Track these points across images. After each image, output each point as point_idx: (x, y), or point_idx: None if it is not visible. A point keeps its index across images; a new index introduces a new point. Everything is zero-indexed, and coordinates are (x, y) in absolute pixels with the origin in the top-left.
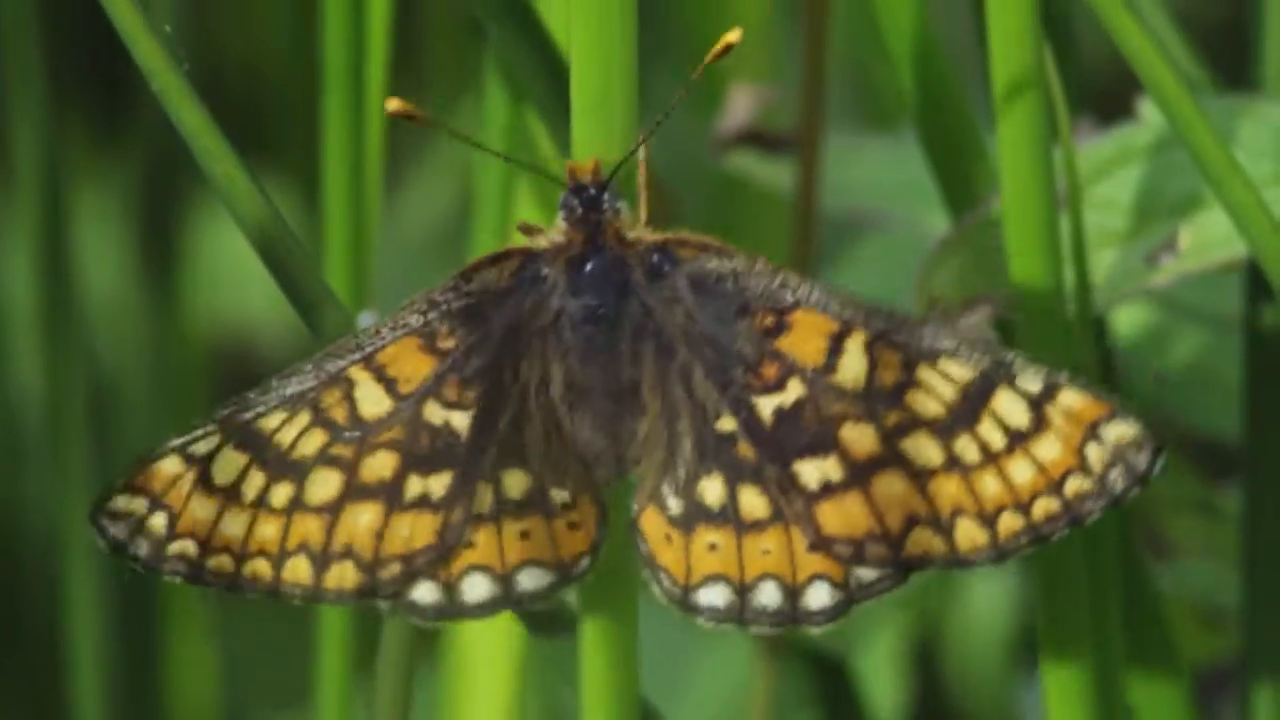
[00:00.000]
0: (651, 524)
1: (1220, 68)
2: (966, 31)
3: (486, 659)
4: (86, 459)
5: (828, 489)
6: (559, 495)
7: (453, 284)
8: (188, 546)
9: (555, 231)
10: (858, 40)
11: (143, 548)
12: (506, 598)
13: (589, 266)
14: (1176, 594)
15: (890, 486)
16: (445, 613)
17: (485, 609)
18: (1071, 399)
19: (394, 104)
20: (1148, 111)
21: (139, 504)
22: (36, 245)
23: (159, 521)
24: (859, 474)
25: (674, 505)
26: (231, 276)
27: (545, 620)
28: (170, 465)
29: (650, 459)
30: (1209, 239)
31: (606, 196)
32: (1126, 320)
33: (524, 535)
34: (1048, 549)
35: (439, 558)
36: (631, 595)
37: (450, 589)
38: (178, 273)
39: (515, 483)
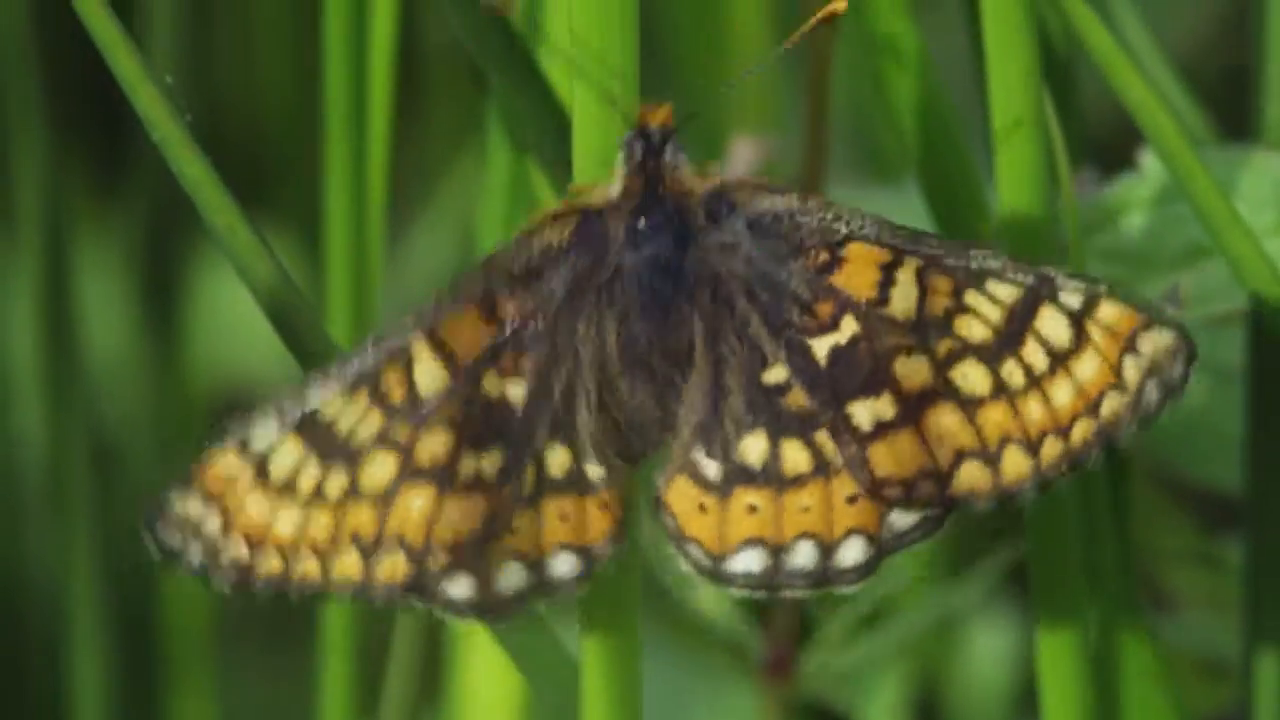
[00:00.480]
0: (681, 496)
1: (1222, 118)
2: (968, 81)
3: (488, 706)
4: (89, 511)
5: (880, 428)
6: (595, 472)
7: (512, 247)
8: (239, 550)
9: (612, 185)
10: (859, 90)
11: (196, 554)
12: (539, 586)
13: (649, 217)
14: (1178, 645)
15: (941, 420)
16: (478, 607)
17: (518, 600)
18: (1109, 312)
19: None
20: (1149, 162)
21: (195, 507)
22: (38, 296)
23: (213, 525)
24: (911, 410)
25: (712, 469)
26: (233, 328)
27: (546, 667)
28: (227, 464)
29: (686, 425)
30: (1210, 289)
31: (670, 146)
32: None
33: (561, 517)
34: (1049, 601)
35: (483, 544)
36: (634, 643)
37: (485, 580)
38: (179, 324)
39: (559, 459)
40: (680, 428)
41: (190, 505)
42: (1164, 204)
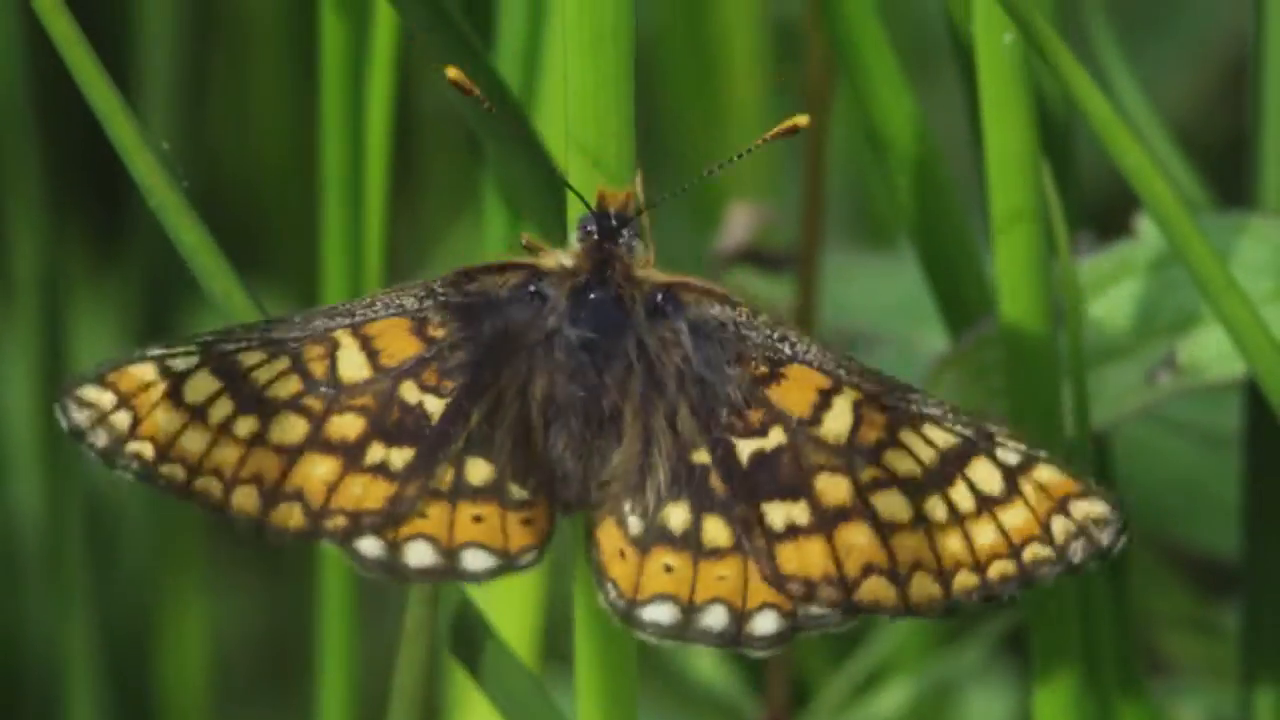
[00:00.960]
0: (607, 537)
1: (1218, 184)
2: (964, 147)
3: None
4: (85, 577)
5: (791, 531)
6: (518, 492)
7: (453, 279)
8: (145, 449)
9: (565, 253)
10: (857, 157)
11: (101, 439)
12: (449, 571)
13: (592, 297)
14: (1175, 710)
15: (854, 536)
16: (387, 569)
17: (427, 575)
18: (1046, 474)
19: (454, 73)
20: (1145, 228)
21: (106, 398)
22: (35, 361)
23: (122, 419)
24: (825, 521)
25: (635, 525)
26: None
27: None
28: (144, 371)
29: (617, 483)
30: (1207, 356)
31: (626, 231)
32: (1124, 436)
33: (476, 519)
34: (1048, 666)
35: (386, 521)
36: (631, 707)
37: (394, 549)
38: None
39: (477, 471)
40: (611, 485)
41: (103, 396)
42: (1161, 269)
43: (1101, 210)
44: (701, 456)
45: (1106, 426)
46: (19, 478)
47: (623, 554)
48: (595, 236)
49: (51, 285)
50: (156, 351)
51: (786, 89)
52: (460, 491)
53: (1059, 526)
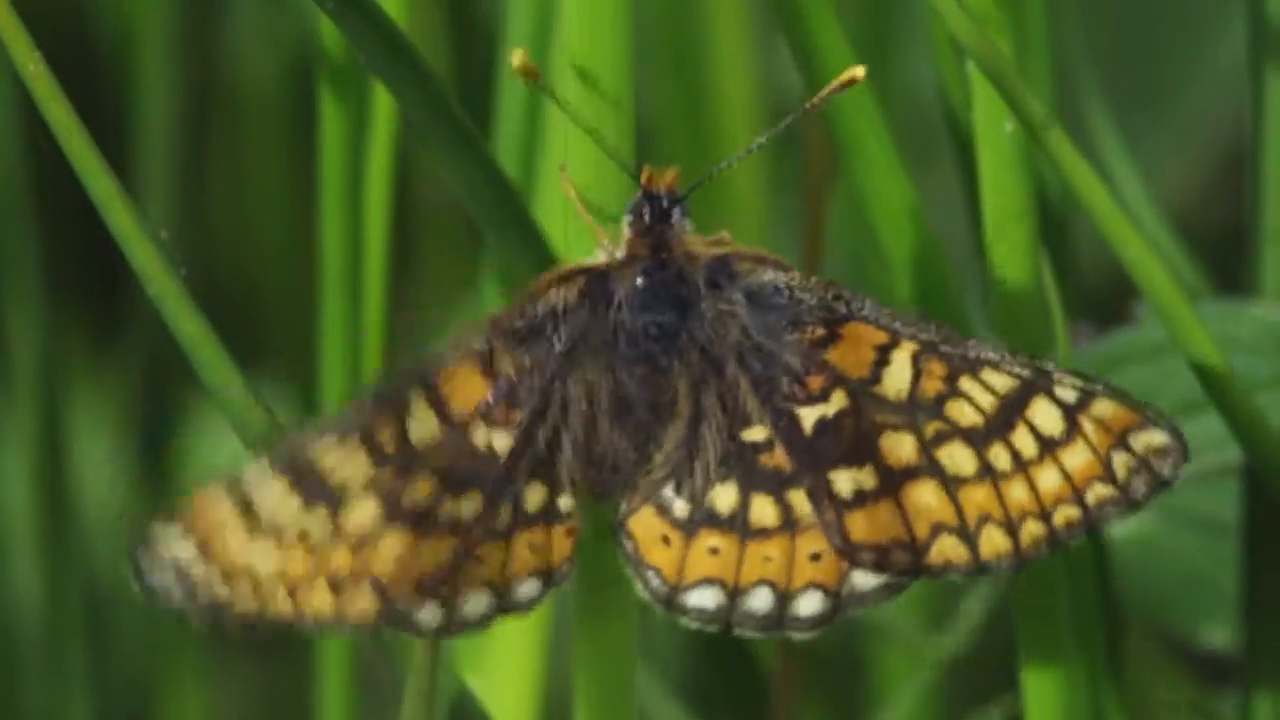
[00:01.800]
0: (644, 525)
1: (1217, 272)
2: (963, 235)
3: None
4: (84, 666)
5: (860, 497)
6: (566, 504)
7: (518, 307)
8: (220, 590)
9: (619, 246)
10: (855, 243)
11: (177, 593)
12: (503, 608)
13: (651, 280)
14: None
15: (922, 495)
16: (445, 630)
17: (483, 622)
18: (1104, 408)
19: (518, 59)
20: (1144, 315)
21: (182, 547)
22: (34, 451)
23: (197, 566)
24: (892, 483)
25: (680, 508)
26: None
27: None
28: (215, 502)
29: (660, 464)
30: (1205, 443)
31: (676, 210)
32: (1122, 524)
33: (531, 548)
34: None
35: (450, 577)
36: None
37: (452, 608)
38: (175, 480)
39: (535, 497)
40: (654, 467)
41: (177, 545)
42: (1159, 357)
43: (1101, 297)
44: (754, 433)
45: None
46: (18, 565)
47: (666, 539)
48: (647, 220)
49: (50, 373)
50: (227, 476)
51: (785, 177)
52: (517, 524)
53: (1120, 462)
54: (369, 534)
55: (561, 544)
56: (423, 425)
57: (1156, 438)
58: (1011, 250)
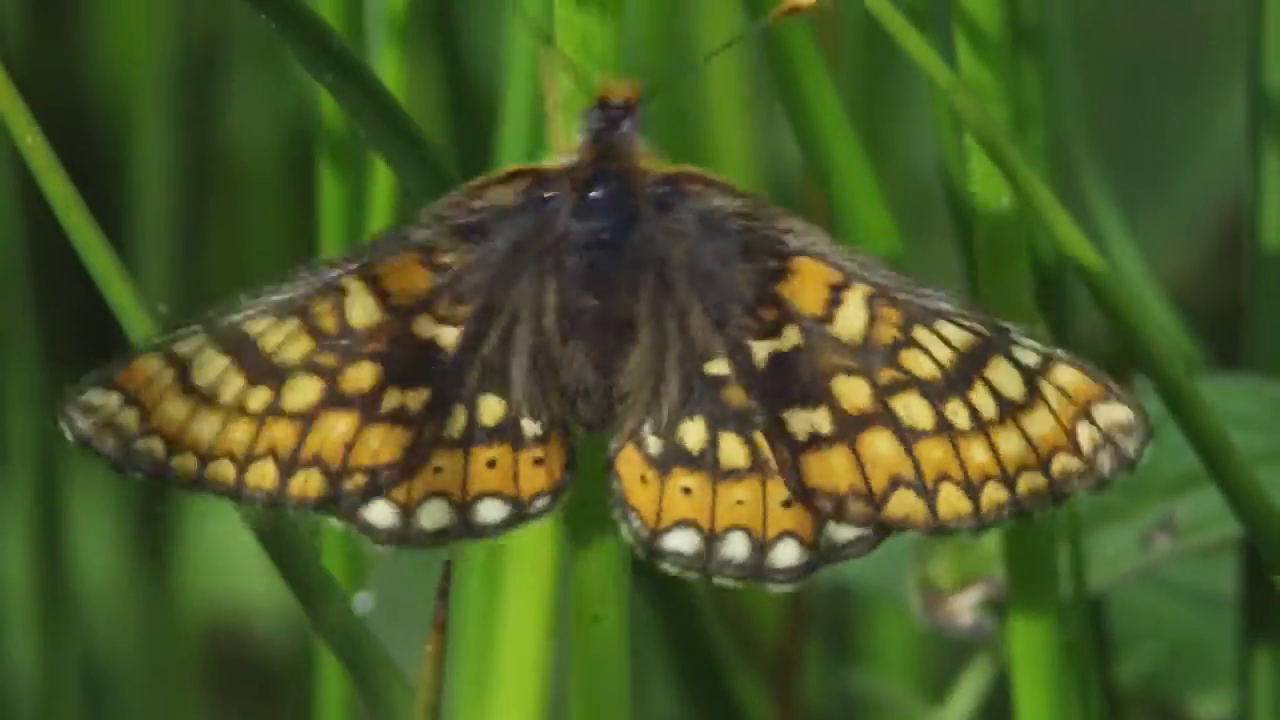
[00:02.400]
0: (628, 464)
1: (1215, 348)
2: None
3: None
4: None
5: (815, 441)
6: (531, 428)
7: (460, 199)
8: (155, 445)
9: (568, 151)
10: None
11: (109, 445)
12: (464, 528)
13: (599, 190)
14: None
15: (878, 444)
16: (400, 537)
17: (441, 537)
18: (1067, 376)
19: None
20: (1143, 389)
21: (112, 400)
22: (31, 525)
23: (129, 418)
24: (847, 429)
25: (653, 445)
26: (227, 558)
27: None
28: (149, 363)
29: (636, 397)
30: (1204, 517)
31: (628, 121)
32: (1121, 599)
33: (490, 464)
34: None
35: (403, 476)
36: None
37: (408, 512)
38: (172, 554)
39: (491, 408)
40: (630, 399)
41: (108, 399)
42: (1158, 431)
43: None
44: (715, 366)
45: (1103, 589)
46: (15, 640)
47: (644, 479)
48: (596, 128)
49: (47, 447)
50: (158, 340)
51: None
52: (473, 436)
53: (1085, 435)
54: (314, 413)
55: (531, 475)
56: (362, 309)
57: (1121, 412)
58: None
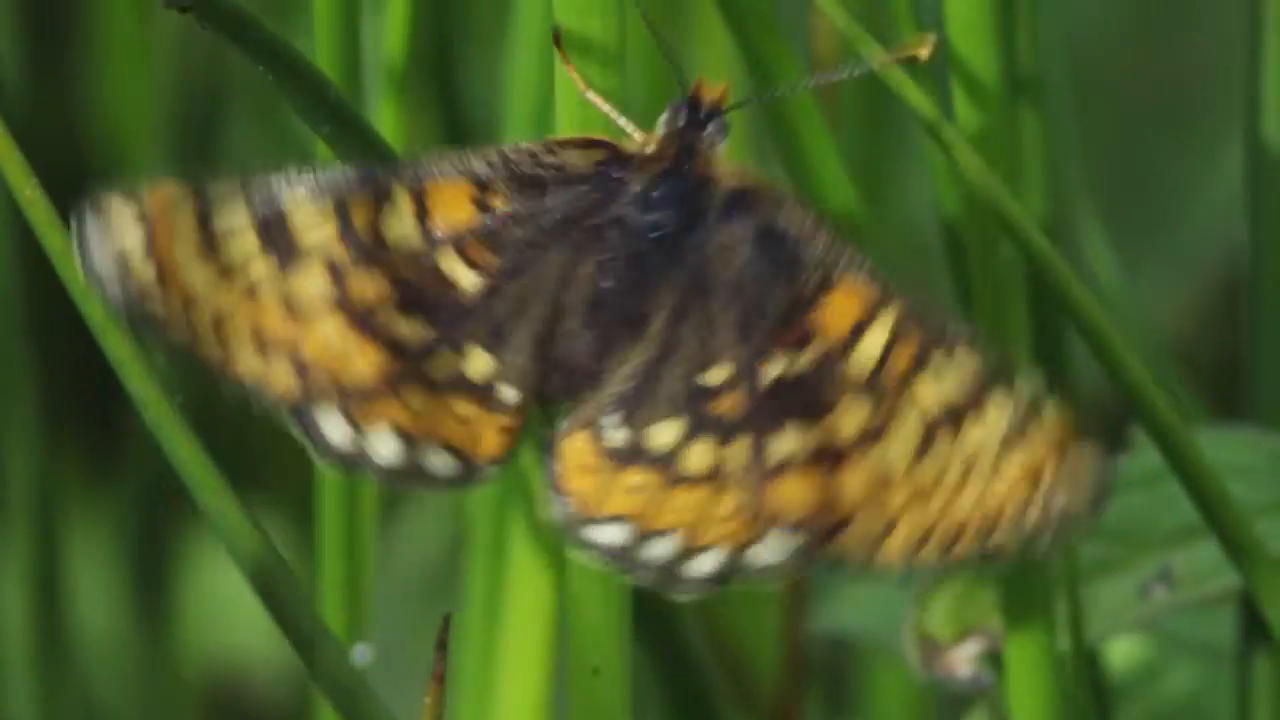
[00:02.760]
0: (576, 449)
1: (1214, 400)
2: None
3: None
4: None
5: (795, 462)
6: (509, 394)
7: (532, 150)
8: (148, 272)
9: (649, 139)
10: None
11: (107, 253)
12: (408, 470)
13: (667, 185)
14: None
15: (852, 478)
16: (345, 458)
17: (385, 472)
18: (1048, 422)
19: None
20: (1141, 441)
21: (128, 211)
22: (30, 577)
23: (136, 235)
24: (829, 458)
25: (618, 437)
26: (226, 611)
27: None
28: (176, 191)
29: (611, 387)
30: (1202, 569)
31: (714, 124)
32: (1119, 652)
33: (458, 419)
34: None
35: (368, 399)
36: None
37: (361, 434)
38: (171, 607)
39: (479, 364)
40: (604, 387)
41: (124, 208)
42: (1155, 483)
43: (1096, 423)
44: (715, 375)
45: (1101, 641)
46: (14, 690)
47: (591, 467)
48: (680, 124)
49: (46, 498)
50: (197, 185)
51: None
52: (452, 385)
53: (1048, 482)
54: (309, 308)
55: (490, 437)
56: (399, 222)
57: (1089, 464)
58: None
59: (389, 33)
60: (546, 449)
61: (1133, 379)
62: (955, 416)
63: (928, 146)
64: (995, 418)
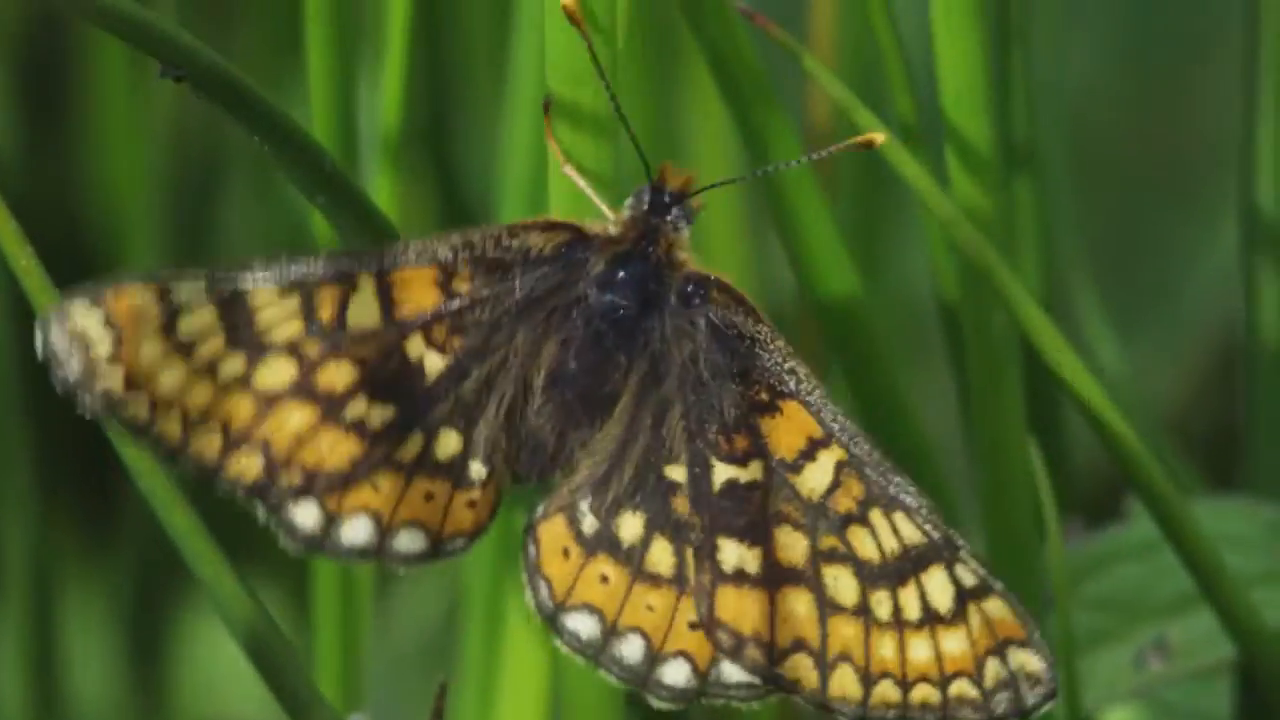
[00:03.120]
0: (551, 533)
1: (1210, 472)
2: (955, 428)
3: None
4: None
5: (738, 576)
6: (477, 470)
7: (495, 234)
8: (116, 378)
9: (612, 221)
10: None
11: (73, 363)
12: (378, 550)
13: (630, 267)
14: None
15: (796, 603)
16: (315, 544)
17: (355, 554)
18: (996, 609)
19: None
20: (1137, 512)
21: (94, 318)
22: (25, 648)
23: (103, 342)
24: (773, 577)
25: (589, 524)
26: (221, 680)
27: None
28: (141, 294)
29: (583, 471)
30: (1198, 639)
31: (677, 210)
32: None
33: (427, 496)
34: None
35: (340, 486)
36: None
37: (332, 521)
38: (167, 676)
39: (448, 443)
40: (577, 469)
41: (90, 320)
42: (1151, 554)
43: (1093, 493)
44: (675, 471)
45: (1097, 711)
46: None
47: (566, 552)
48: (644, 207)
49: (41, 569)
50: (161, 281)
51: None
52: (421, 465)
53: (991, 670)
54: (277, 397)
55: (460, 514)
56: (364, 310)
57: (1034, 662)
58: (1002, 445)
59: (385, 103)
60: (527, 531)
61: (1128, 449)
62: (892, 575)
63: (923, 216)
64: (933, 589)
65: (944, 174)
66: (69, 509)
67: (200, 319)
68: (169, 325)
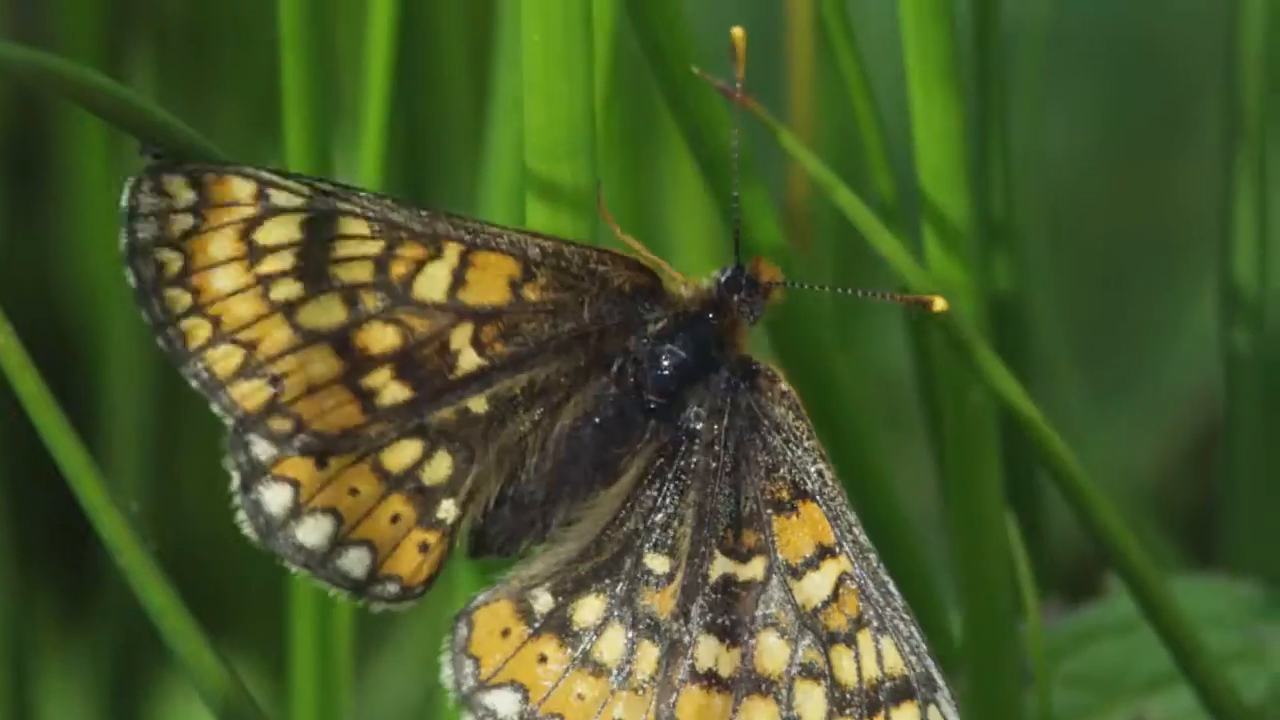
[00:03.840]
0: (493, 617)
1: (1189, 549)
2: (934, 502)
3: None
4: None
5: (708, 676)
6: (446, 510)
7: (585, 253)
8: (174, 260)
9: (691, 286)
10: None
11: (146, 228)
12: (322, 559)
13: (690, 330)
14: None
15: (758, 713)
16: (272, 530)
17: (300, 554)
18: None
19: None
20: (1116, 589)
21: (185, 196)
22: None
23: (181, 222)
24: (744, 683)
25: (544, 603)
26: None
27: None
28: (241, 187)
29: (548, 559)
30: (1177, 717)
31: (750, 297)
32: None
33: (393, 519)
34: None
35: (327, 449)
36: None
37: (296, 513)
38: None
39: (438, 468)
40: (546, 550)
41: (184, 192)
42: (1130, 631)
43: (1071, 571)
44: (657, 560)
45: None
46: None
47: (506, 632)
48: (723, 282)
49: (20, 643)
50: (267, 174)
51: None
52: (402, 480)
53: None
54: (314, 337)
55: (407, 553)
56: (433, 279)
57: None
58: (980, 520)
59: (363, 166)
60: (459, 617)
61: (1107, 526)
62: (864, 704)
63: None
64: (909, 717)
65: (922, 249)
66: (47, 583)
67: (282, 231)
68: (250, 225)
